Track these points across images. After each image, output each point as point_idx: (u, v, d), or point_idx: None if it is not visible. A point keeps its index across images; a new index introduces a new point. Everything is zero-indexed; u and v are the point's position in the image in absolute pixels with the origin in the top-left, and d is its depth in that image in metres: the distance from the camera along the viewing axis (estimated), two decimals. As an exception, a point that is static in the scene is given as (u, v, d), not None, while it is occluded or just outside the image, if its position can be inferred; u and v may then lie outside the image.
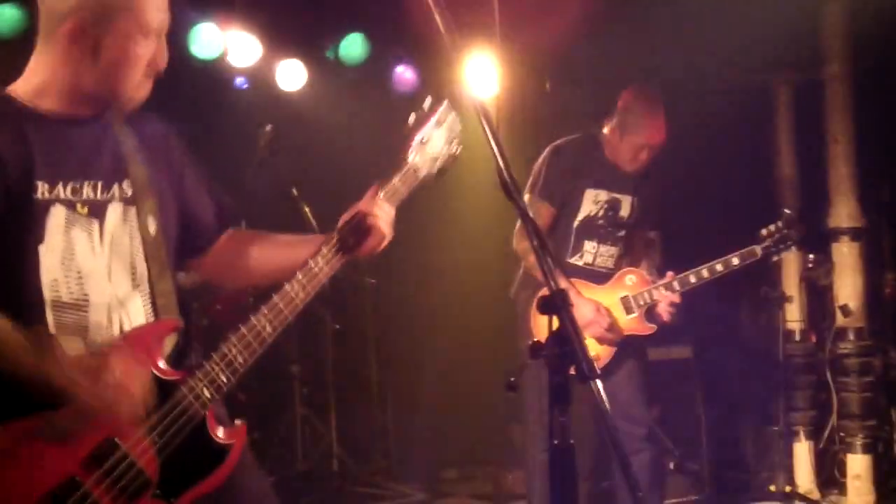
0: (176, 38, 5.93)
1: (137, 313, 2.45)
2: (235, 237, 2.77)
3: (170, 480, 2.34)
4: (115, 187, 2.46)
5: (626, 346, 4.67)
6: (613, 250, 4.84)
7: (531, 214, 3.83)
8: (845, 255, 5.91)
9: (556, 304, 1.69)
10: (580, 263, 4.79)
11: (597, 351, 4.65)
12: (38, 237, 2.34)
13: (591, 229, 4.81)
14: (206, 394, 2.38)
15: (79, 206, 2.39)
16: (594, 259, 4.81)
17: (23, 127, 2.36)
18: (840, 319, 5.88)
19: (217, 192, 2.75)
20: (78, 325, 2.36)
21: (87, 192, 2.41)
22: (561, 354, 1.74)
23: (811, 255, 5.94)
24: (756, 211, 5.75)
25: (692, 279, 4.59)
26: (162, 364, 2.40)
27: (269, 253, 2.71)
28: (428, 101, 2.72)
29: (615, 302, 4.68)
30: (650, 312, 4.68)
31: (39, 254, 2.33)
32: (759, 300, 6.13)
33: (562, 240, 4.80)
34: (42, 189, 2.35)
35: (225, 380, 2.40)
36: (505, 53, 5.60)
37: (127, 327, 2.42)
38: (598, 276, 4.78)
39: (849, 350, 5.87)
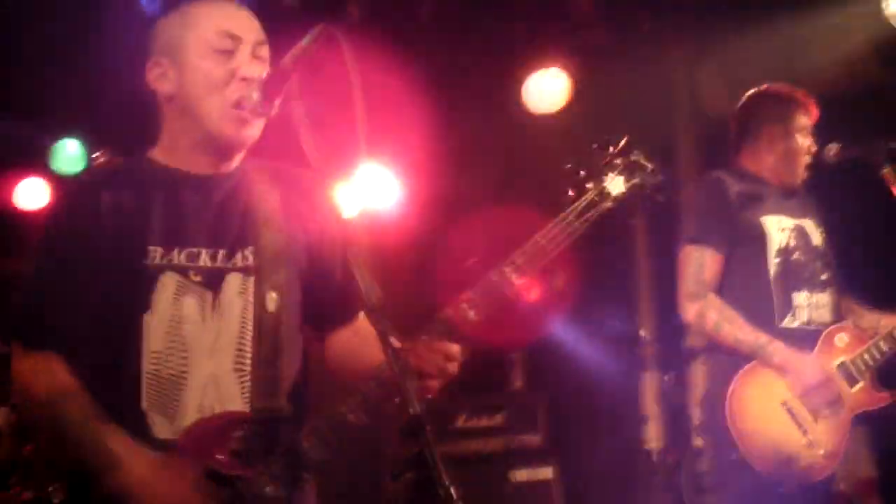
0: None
1: (232, 396, 2.25)
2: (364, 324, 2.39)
3: None
4: (239, 255, 2.30)
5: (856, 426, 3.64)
6: (826, 299, 3.75)
7: (690, 267, 3.41)
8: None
9: (414, 429, 1.69)
10: (794, 325, 3.69)
11: (822, 447, 3.56)
12: (144, 305, 2.21)
13: (793, 272, 3.71)
14: (268, 490, 2.17)
15: (192, 273, 2.25)
16: (809, 316, 3.72)
17: (151, 190, 2.28)
18: (697, 439, 5.99)
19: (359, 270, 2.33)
20: (169, 403, 2.22)
21: (204, 259, 2.27)
22: (420, 480, 1.72)
23: (666, 376, 6.06)
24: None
25: None
26: (222, 457, 2.19)
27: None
28: None
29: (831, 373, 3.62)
30: (878, 376, 3.67)
31: (143, 323, 2.21)
32: (617, 420, 6.21)
33: (755, 298, 3.68)
34: (154, 255, 2.23)
35: (314, 459, 2.20)
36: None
37: (218, 410, 2.23)
38: (810, 340, 3.67)
39: (707, 469, 5.96)
